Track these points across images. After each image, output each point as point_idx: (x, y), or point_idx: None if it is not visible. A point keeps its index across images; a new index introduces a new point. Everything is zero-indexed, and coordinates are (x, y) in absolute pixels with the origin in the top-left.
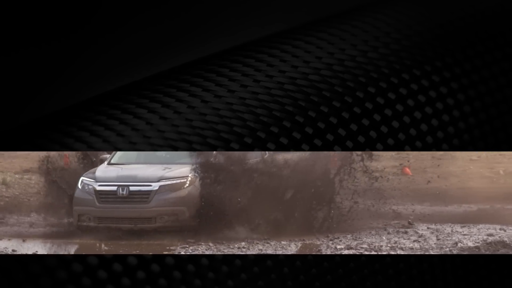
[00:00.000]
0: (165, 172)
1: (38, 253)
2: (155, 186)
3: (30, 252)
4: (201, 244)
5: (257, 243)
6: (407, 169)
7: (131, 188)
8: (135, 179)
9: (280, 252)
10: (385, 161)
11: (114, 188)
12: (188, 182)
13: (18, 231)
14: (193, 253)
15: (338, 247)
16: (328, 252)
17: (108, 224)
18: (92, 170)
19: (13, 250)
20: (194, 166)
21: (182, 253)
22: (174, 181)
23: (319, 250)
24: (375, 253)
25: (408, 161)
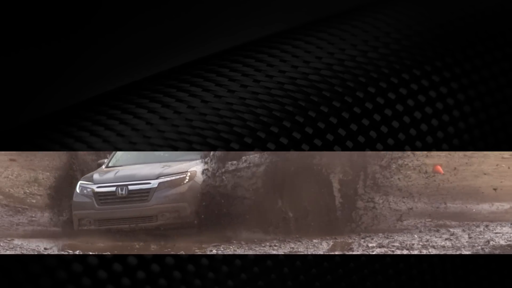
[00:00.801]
0: (163, 169)
1: (69, 252)
2: (154, 183)
3: (63, 252)
4: (232, 243)
5: (289, 241)
6: (439, 168)
7: (130, 187)
8: (133, 178)
9: (311, 251)
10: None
11: (113, 188)
12: (188, 177)
13: (50, 230)
14: (224, 252)
15: (370, 245)
16: (360, 251)
17: (109, 226)
18: (90, 173)
19: (45, 248)
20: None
21: (214, 252)
22: (173, 177)
23: (350, 249)
24: (407, 251)
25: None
